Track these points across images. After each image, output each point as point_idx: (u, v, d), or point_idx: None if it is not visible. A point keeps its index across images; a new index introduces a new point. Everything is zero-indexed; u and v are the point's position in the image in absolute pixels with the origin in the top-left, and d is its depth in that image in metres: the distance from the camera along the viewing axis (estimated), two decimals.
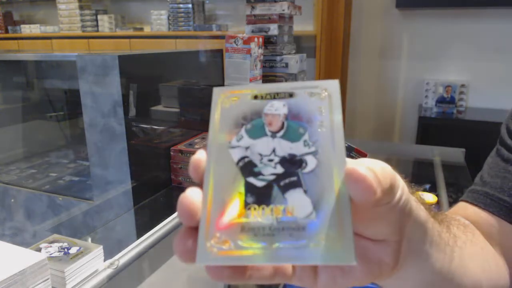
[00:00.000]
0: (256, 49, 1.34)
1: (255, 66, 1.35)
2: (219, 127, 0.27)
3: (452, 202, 1.03)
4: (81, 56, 0.97)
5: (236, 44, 1.29)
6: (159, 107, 1.10)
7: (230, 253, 0.23)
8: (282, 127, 0.26)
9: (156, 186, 1.07)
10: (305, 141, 0.26)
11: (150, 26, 3.60)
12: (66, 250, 0.67)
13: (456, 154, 1.47)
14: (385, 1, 2.79)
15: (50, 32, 3.94)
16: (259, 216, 0.24)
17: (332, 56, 2.78)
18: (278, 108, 0.27)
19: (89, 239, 0.87)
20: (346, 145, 0.88)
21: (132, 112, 0.96)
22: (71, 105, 1.60)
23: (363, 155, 0.84)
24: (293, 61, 1.46)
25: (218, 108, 0.28)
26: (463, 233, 0.42)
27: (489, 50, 2.59)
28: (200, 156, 0.26)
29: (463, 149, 1.48)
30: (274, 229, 0.24)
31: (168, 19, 3.46)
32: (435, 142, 2.03)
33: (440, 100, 2.67)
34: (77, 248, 0.68)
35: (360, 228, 0.27)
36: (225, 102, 0.28)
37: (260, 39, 1.37)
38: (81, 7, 3.77)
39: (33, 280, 0.55)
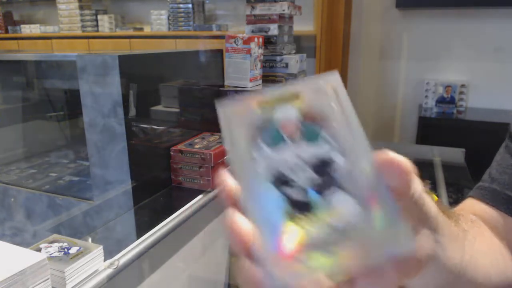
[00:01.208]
0: (256, 49, 1.34)
1: (255, 66, 1.35)
2: (235, 144, 0.26)
3: (452, 202, 1.03)
4: (81, 56, 0.97)
5: (236, 44, 1.29)
6: (159, 107, 1.10)
7: (303, 271, 0.22)
8: (298, 131, 0.26)
9: (156, 186, 1.07)
10: (325, 139, 0.25)
11: (150, 26, 3.60)
12: (66, 250, 0.67)
13: (456, 154, 1.47)
14: (385, 1, 2.79)
15: (50, 32, 3.93)
16: (313, 228, 0.23)
17: (332, 56, 2.78)
18: (289, 112, 0.26)
19: (89, 239, 0.87)
20: None
21: (132, 112, 0.96)
22: (71, 105, 1.60)
23: None
24: (293, 61, 1.46)
25: (229, 126, 0.26)
26: (471, 228, 0.42)
27: (489, 50, 2.59)
28: (227, 181, 0.25)
29: (463, 149, 1.48)
30: (332, 237, 0.23)
31: (168, 19, 3.46)
32: (435, 142, 2.02)
33: (440, 100, 2.67)
34: (77, 248, 0.67)
35: None
36: (234, 119, 0.26)
37: (260, 39, 1.37)
38: (81, 7, 3.77)
39: (33, 280, 0.55)
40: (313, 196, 0.24)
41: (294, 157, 0.25)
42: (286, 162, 0.25)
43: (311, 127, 0.26)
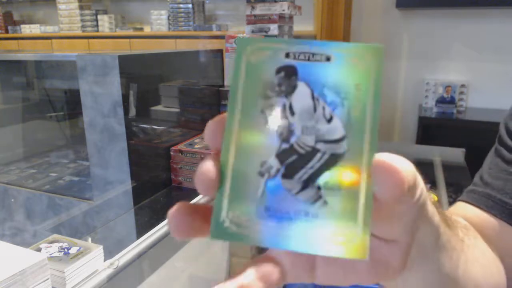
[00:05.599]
0: None
1: None
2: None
3: (452, 202, 1.03)
4: (81, 56, 0.97)
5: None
6: (159, 107, 1.10)
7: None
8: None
9: (156, 186, 1.07)
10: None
11: (150, 26, 3.60)
12: (66, 250, 0.67)
13: (456, 154, 1.47)
14: (385, 1, 2.79)
15: (50, 32, 3.93)
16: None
17: None
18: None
19: (89, 239, 0.87)
20: None
21: (132, 112, 0.96)
22: (71, 105, 1.60)
23: None
24: None
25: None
26: (466, 236, 0.41)
27: (489, 50, 2.59)
28: (220, 119, 0.23)
29: (463, 149, 1.48)
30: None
31: (168, 19, 3.46)
32: (435, 142, 2.02)
33: (440, 100, 2.67)
34: (77, 248, 0.68)
35: (372, 226, 0.24)
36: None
37: None
38: (81, 7, 3.77)
39: (33, 280, 0.55)
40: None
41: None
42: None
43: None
